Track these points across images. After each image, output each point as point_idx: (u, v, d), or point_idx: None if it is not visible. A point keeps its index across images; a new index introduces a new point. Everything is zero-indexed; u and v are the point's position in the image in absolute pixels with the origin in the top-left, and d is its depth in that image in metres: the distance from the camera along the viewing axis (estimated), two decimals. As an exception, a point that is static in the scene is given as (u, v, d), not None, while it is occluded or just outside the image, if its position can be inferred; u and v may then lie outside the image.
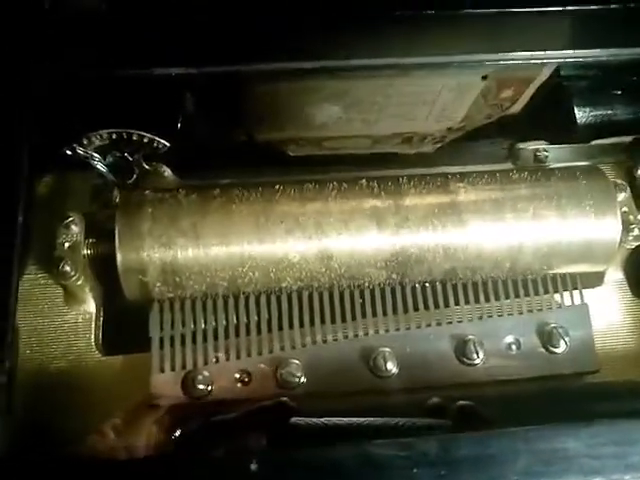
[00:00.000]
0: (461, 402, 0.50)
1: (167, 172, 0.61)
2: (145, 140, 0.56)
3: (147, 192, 0.55)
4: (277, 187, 0.56)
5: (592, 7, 0.58)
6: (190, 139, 0.60)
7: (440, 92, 0.62)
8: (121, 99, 0.56)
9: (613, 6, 0.59)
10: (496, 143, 0.70)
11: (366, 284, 0.56)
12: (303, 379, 0.54)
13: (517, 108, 0.66)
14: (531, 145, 0.67)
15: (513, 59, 0.58)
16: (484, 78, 0.60)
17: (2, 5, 0.53)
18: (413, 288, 0.57)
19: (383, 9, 0.57)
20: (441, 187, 0.57)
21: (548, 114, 0.66)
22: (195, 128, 0.61)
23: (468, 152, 0.69)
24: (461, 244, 0.55)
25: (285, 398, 0.52)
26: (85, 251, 0.55)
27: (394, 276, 0.56)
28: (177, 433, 0.52)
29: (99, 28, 0.53)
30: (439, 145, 0.69)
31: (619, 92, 0.65)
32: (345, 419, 0.50)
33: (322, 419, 0.50)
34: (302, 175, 0.62)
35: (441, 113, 0.65)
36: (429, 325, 0.56)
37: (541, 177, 0.58)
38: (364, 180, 0.57)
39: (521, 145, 0.67)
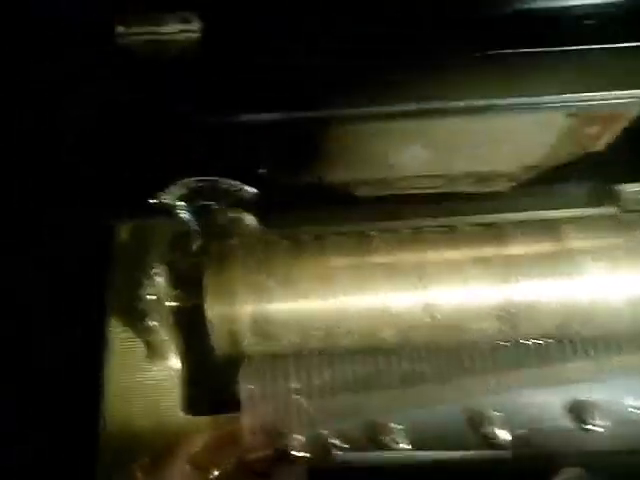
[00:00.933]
0: None
1: (249, 219, 0.58)
2: (232, 188, 0.53)
3: (235, 240, 0.52)
4: (372, 234, 0.52)
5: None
6: (267, 185, 0.57)
7: (521, 131, 0.58)
8: (206, 145, 0.54)
9: None
10: (588, 186, 0.66)
11: (472, 339, 0.51)
12: (407, 446, 0.49)
13: (601, 145, 0.61)
14: (633, 187, 0.62)
15: (605, 98, 0.55)
16: (570, 116, 0.57)
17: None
18: (524, 344, 0.52)
19: (476, 48, 0.54)
20: (549, 233, 0.53)
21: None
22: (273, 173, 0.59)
23: (559, 196, 0.65)
24: (576, 295, 0.50)
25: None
26: (170, 304, 0.52)
27: (504, 330, 0.51)
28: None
29: (188, 73, 0.51)
30: (513, 184, 0.65)
31: None
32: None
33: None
34: (373, 218, 0.60)
35: (521, 151, 0.62)
36: (544, 385, 0.51)
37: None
38: (465, 226, 0.53)
39: (621, 187, 0.62)
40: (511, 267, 0.51)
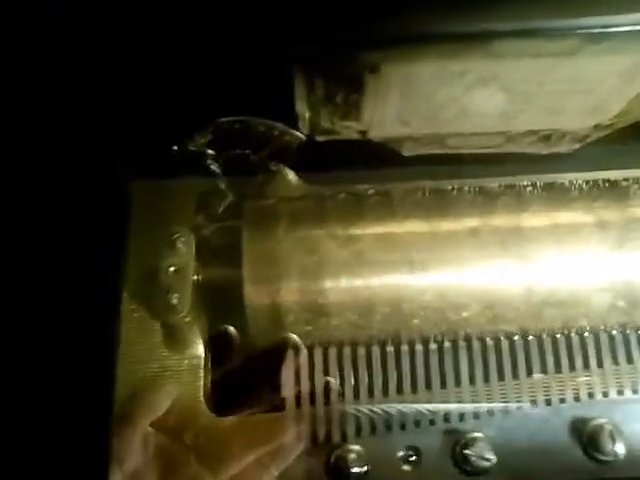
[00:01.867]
0: None
1: (291, 175, 0.48)
2: (275, 132, 0.43)
3: (279, 202, 0.42)
4: (451, 189, 0.42)
5: None
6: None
7: (606, 77, 0.47)
8: (236, 84, 0.43)
9: None
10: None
11: (578, 327, 0.41)
12: (493, 461, 0.39)
13: None
14: None
15: None
16: None
17: None
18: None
19: None
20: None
21: None
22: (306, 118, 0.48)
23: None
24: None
25: None
26: (196, 278, 0.42)
27: (619, 314, 0.40)
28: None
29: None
30: (577, 146, 0.55)
31: None
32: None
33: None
34: (421, 178, 0.49)
35: (596, 105, 0.51)
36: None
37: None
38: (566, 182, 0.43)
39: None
40: (629, 231, 0.40)
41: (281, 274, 0.39)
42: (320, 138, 0.51)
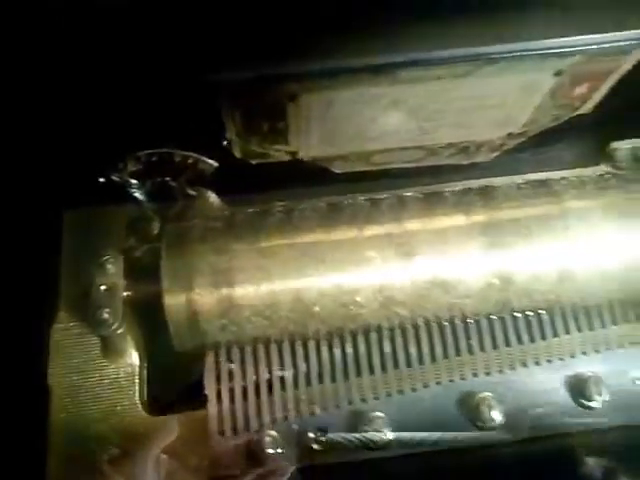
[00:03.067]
0: None
1: (213, 198, 0.53)
2: (190, 161, 0.48)
3: (196, 221, 0.47)
4: (347, 203, 0.48)
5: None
6: (232, 159, 0.52)
7: (505, 94, 0.53)
8: (159, 114, 0.48)
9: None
10: (577, 146, 0.62)
11: (459, 315, 0.47)
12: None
13: (589, 107, 0.57)
14: (628, 144, 0.58)
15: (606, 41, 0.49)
16: (557, 74, 0.51)
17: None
18: (514, 318, 0.48)
19: None
20: (543, 196, 0.48)
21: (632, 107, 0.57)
22: (237, 144, 0.53)
23: (547, 160, 0.61)
24: (569, 262, 0.46)
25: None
26: (125, 294, 0.47)
27: (494, 303, 0.46)
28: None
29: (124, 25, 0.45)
30: (496, 154, 0.61)
31: None
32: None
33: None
34: (351, 193, 0.54)
35: (504, 117, 0.57)
36: (537, 362, 0.47)
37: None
38: (447, 193, 0.49)
39: (615, 145, 0.59)
40: (500, 234, 0.46)
41: (196, 285, 0.44)
42: (254, 161, 0.55)
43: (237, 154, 0.54)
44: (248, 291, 0.44)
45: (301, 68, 0.46)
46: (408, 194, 0.50)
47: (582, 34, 0.49)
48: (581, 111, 0.57)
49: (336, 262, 0.45)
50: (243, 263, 0.45)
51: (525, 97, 0.55)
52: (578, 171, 0.56)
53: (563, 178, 0.51)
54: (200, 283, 0.44)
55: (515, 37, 0.48)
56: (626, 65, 0.54)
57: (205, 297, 0.44)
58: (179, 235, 0.46)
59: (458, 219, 0.47)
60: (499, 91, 0.53)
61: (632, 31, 0.49)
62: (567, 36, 0.49)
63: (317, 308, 0.45)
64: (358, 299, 0.45)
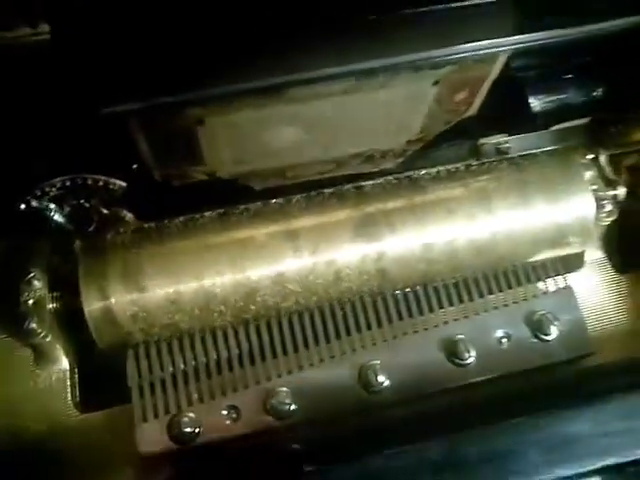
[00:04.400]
0: None
1: (128, 216, 0.59)
2: (100, 183, 0.54)
3: (108, 236, 0.53)
4: (239, 211, 0.55)
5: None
6: (149, 179, 0.58)
7: (393, 104, 0.60)
8: (72, 142, 0.53)
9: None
10: (457, 145, 0.69)
11: (345, 299, 0.54)
12: (294, 406, 0.51)
13: (474, 110, 0.65)
14: (492, 139, 0.67)
15: (467, 51, 0.55)
16: (435, 83, 0.59)
17: None
18: (394, 296, 0.55)
19: (330, 17, 0.53)
20: (408, 188, 0.56)
21: (505, 107, 0.65)
22: (154, 167, 0.58)
23: (431, 159, 0.66)
24: (436, 244, 0.54)
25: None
26: (51, 305, 0.53)
27: (374, 285, 0.54)
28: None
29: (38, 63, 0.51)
30: (401, 160, 0.67)
31: (570, 76, 0.65)
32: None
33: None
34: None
35: (398, 126, 0.64)
36: (416, 332, 0.54)
37: (506, 167, 0.58)
38: (326, 193, 0.56)
39: (482, 141, 0.67)
40: (373, 224, 0.54)
41: (111, 291, 0.50)
42: (176, 183, 0.60)
43: (157, 177, 0.59)
44: (157, 292, 0.51)
45: (200, 94, 0.50)
46: (295, 197, 0.56)
47: (450, 46, 0.56)
48: (469, 113, 0.64)
49: (235, 259, 0.52)
50: (151, 267, 0.51)
51: (412, 106, 0.61)
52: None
53: (428, 173, 0.58)
54: (114, 289, 0.50)
55: (389, 52, 0.54)
56: (495, 70, 0.62)
57: (120, 301, 0.50)
58: (93, 249, 0.52)
59: (338, 214, 0.54)
60: (387, 103, 0.59)
61: (495, 40, 0.55)
62: (436, 49, 0.56)
63: (221, 302, 0.51)
64: (258, 291, 0.52)
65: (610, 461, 0.39)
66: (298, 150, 0.62)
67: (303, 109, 0.57)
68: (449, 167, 0.60)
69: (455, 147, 0.69)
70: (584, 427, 0.40)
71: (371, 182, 0.58)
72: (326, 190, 0.57)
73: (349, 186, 0.58)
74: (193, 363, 0.52)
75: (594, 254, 0.61)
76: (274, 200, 0.57)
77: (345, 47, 0.53)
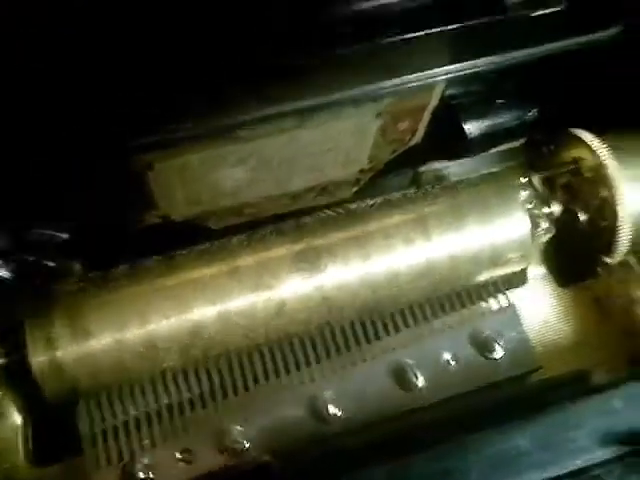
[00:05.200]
0: None
1: (76, 267, 0.60)
2: (45, 236, 0.55)
3: (53, 287, 0.54)
4: (184, 252, 0.55)
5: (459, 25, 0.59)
6: (99, 228, 0.59)
7: (339, 138, 0.62)
8: (14, 193, 0.52)
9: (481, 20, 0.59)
10: (402, 173, 0.71)
11: (293, 332, 0.55)
12: (248, 444, 0.52)
13: (419, 137, 0.67)
14: (431, 166, 0.69)
15: (404, 83, 0.58)
16: (378, 116, 0.61)
17: None
18: (342, 327, 0.56)
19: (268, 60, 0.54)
20: (346, 219, 0.57)
21: (442, 134, 0.67)
22: (105, 215, 0.59)
23: (378, 189, 0.69)
24: (377, 271, 0.55)
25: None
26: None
27: (319, 316, 0.55)
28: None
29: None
30: (356, 189, 0.69)
31: (502, 101, 0.67)
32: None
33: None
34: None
35: (347, 158, 0.65)
36: (365, 360, 0.55)
37: (442, 192, 0.59)
38: (268, 229, 0.57)
39: (422, 168, 0.69)
40: (314, 258, 0.55)
41: (57, 345, 0.50)
42: (129, 228, 0.61)
43: (108, 224, 0.60)
44: (103, 337, 0.51)
45: (148, 141, 0.51)
46: (235, 238, 0.57)
47: (387, 79, 0.57)
48: (414, 141, 0.67)
49: (180, 298, 0.52)
50: (96, 313, 0.51)
51: (358, 139, 0.63)
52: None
53: (366, 203, 0.60)
54: (61, 339, 0.50)
55: (328, 90, 0.56)
56: (435, 98, 0.64)
57: (67, 350, 0.50)
58: (38, 301, 0.53)
59: (279, 248, 0.55)
60: (332, 137, 0.61)
61: (431, 70, 0.58)
62: (374, 83, 0.57)
63: (167, 341, 0.52)
64: (203, 328, 0.52)
65: (551, 474, 0.40)
66: (251, 188, 0.63)
67: (252, 147, 0.58)
68: (387, 196, 0.62)
69: (399, 176, 0.71)
70: (525, 442, 0.41)
71: (311, 216, 0.59)
72: (268, 227, 0.58)
73: (290, 221, 0.59)
74: (144, 408, 0.52)
75: (536, 270, 0.62)
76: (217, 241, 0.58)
77: (288, 87, 0.55)
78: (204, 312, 0.52)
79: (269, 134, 0.58)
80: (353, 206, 0.60)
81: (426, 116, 0.65)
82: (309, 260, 0.55)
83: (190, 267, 0.54)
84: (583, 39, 0.60)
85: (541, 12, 0.61)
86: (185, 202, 0.62)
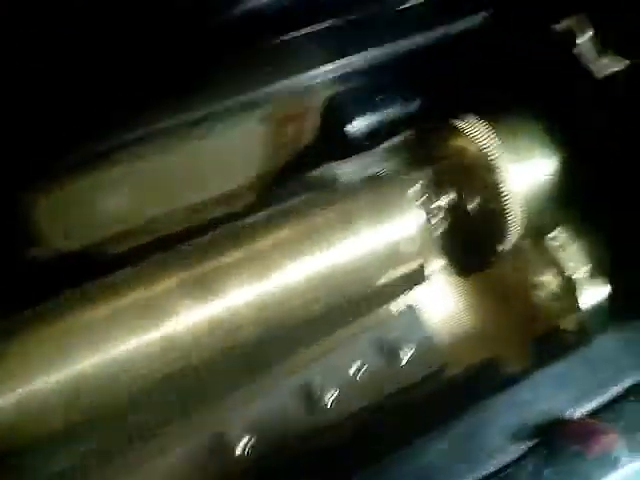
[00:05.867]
0: None
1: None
2: None
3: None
4: (53, 301, 0.51)
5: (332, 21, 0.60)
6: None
7: (226, 147, 0.60)
8: None
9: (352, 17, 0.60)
10: (294, 178, 0.69)
11: (199, 365, 0.51)
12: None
13: (307, 140, 0.65)
14: (320, 170, 0.67)
15: (285, 87, 0.57)
16: (263, 120, 0.59)
17: None
18: (245, 353, 0.53)
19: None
20: (235, 239, 0.54)
21: (327, 135, 0.65)
22: None
23: (274, 195, 0.66)
24: (272, 291, 0.52)
25: None
26: None
27: (220, 345, 0.51)
28: None
29: None
30: (254, 196, 0.66)
31: (382, 96, 0.66)
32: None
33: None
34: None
35: (237, 167, 0.63)
36: (271, 386, 0.52)
37: (330, 199, 0.57)
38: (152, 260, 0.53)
39: (313, 173, 0.67)
40: (204, 285, 0.51)
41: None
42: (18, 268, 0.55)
43: None
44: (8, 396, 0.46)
45: (28, 173, 0.49)
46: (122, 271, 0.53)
47: (267, 85, 0.56)
48: (303, 144, 0.64)
49: (61, 344, 0.48)
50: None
51: (248, 146, 0.61)
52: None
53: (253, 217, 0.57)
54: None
55: (209, 101, 0.54)
56: (316, 100, 0.62)
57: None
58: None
59: (165, 281, 0.51)
60: (219, 147, 0.58)
61: (307, 73, 0.58)
62: (254, 90, 0.56)
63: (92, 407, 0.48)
64: (86, 378, 0.48)
65: (468, 482, 0.39)
66: (143, 207, 0.60)
67: (136, 167, 0.55)
68: (276, 207, 0.59)
69: (293, 181, 0.69)
70: (440, 455, 0.40)
71: (199, 237, 0.56)
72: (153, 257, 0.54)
73: (176, 247, 0.56)
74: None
75: (435, 264, 0.61)
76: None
77: (166, 102, 0.53)
78: (88, 360, 0.48)
79: (152, 152, 0.55)
80: (239, 223, 0.57)
81: (312, 117, 0.64)
82: (199, 287, 0.51)
83: (75, 312, 0.50)
84: (453, 27, 0.60)
85: (407, 5, 0.61)
86: (74, 232, 0.58)
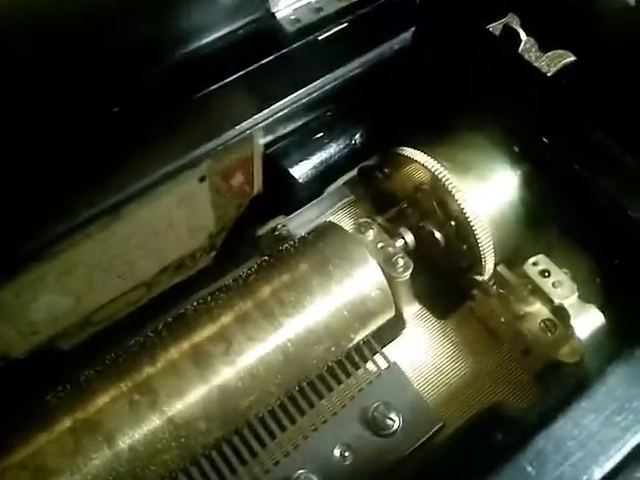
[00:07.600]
0: None
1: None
2: None
3: None
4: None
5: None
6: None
7: (170, 214, 0.55)
8: None
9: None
10: (246, 237, 0.64)
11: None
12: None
13: (259, 187, 0.61)
14: (269, 226, 0.62)
15: (218, 143, 0.53)
16: (202, 180, 0.55)
17: None
18: (219, 449, 0.47)
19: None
20: (178, 332, 0.49)
21: (272, 188, 0.61)
22: None
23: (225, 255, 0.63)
24: (227, 385, 0.46)
25: None
26: None
27: (175, 453, 0.45)
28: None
29: None
30: (214, 253, 0.63)
31: (319, 135, 0.61)
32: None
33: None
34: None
35: (189, 229, 0.59)
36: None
37: (281, 264, 0.51)
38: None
39: (260, 231, 0.61)
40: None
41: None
42: None
43: None
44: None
45: None
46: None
47: (198, 144, 0.52)
48: (255, 192, 0.60)
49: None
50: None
51: (191, 208, 0.56)
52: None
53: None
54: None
55: (138, 175, 0.50)
56: (256, 147, 0.57)
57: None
58: None
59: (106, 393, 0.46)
60: (162, 216, 0.54)
61: (239, 123, 0.53)
62: (184, 152, 0.52)
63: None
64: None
65: None
66: (92, 294, 0.55)
67: (70, 258, 0.51)
68: (224, 284, 0.53)
69: (246, 239, 0.64)
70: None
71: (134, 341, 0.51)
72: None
73: (111, 355, 0.50)
74: None
75: (411, 309, 0.55)
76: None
77: (89, 188, 0.49)
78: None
79: (84, 239, 0.50)
80: (182, 310, 0.51)
81: (256, 165, 0.59)
82: (144, 391, 0.45)
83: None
84: (376, 51, 0.56)
85: (325, 35, 0.57)
86: (20, 336, 0.53)
